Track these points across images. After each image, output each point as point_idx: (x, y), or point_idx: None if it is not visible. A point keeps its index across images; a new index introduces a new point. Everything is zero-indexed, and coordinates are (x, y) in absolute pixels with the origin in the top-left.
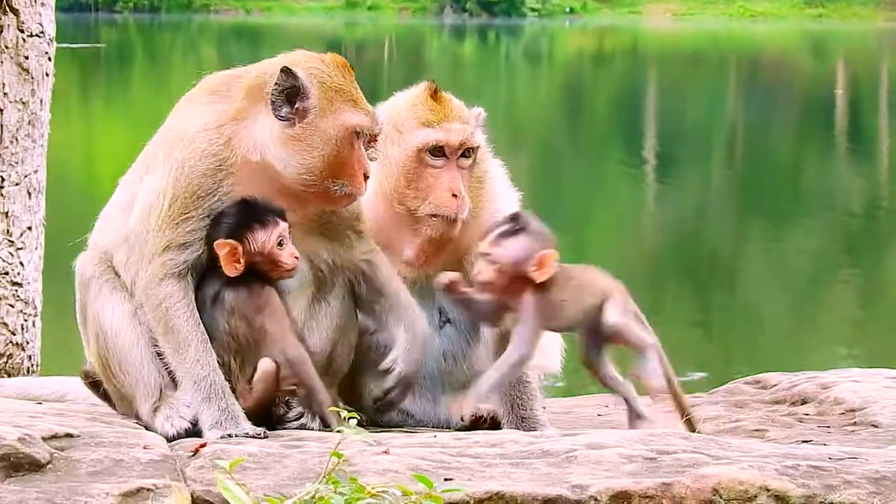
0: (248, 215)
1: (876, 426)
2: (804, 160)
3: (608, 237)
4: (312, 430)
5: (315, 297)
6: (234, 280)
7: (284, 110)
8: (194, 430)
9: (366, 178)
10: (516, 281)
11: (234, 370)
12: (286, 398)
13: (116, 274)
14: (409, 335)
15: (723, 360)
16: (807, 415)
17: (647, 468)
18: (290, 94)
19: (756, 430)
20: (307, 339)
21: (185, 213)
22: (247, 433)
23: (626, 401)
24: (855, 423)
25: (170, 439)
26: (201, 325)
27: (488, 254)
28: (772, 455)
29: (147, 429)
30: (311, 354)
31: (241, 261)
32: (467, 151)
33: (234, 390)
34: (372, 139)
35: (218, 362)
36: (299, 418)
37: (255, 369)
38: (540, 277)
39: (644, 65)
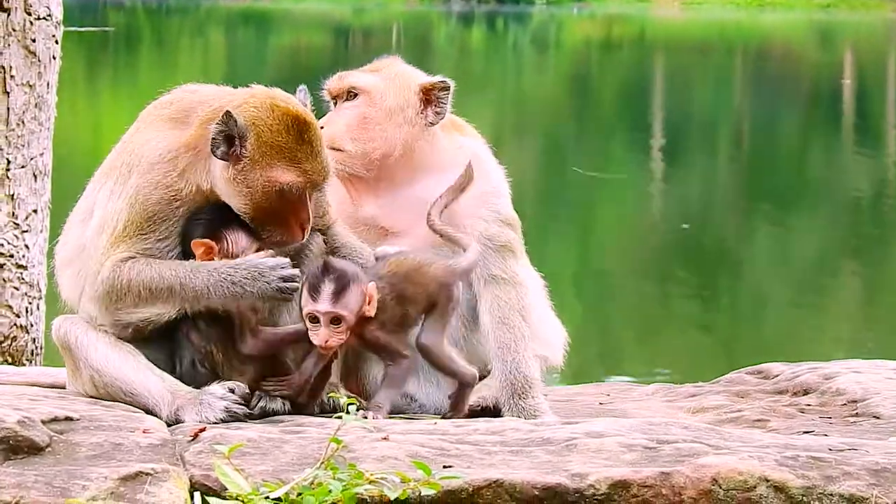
0: (233, 217)
1: (877, 417)
2: (811, 150)
3: (614, 226)
4: (275, 411)
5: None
6: None
7: (220, 150)
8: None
9: (302, 229)
10: (357, 325)
11: (218, 358)
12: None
13: (86, 321)
14: None
15: (727, 349)
16: (809, 405)
17: (646, 457)
18: (228, 136)
19: (758, 421)
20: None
21: (140, 234)
22: None
23: (460, 385)
24: (857, 414)
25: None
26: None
27: (333, 319)
28: (772, 445)
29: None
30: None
31: (217, 259)
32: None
33: (220, 378)
34: (316, 190)
35: (201, 351)
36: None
37: (236, 355)
38: (373, 311)
39: (652, 53)
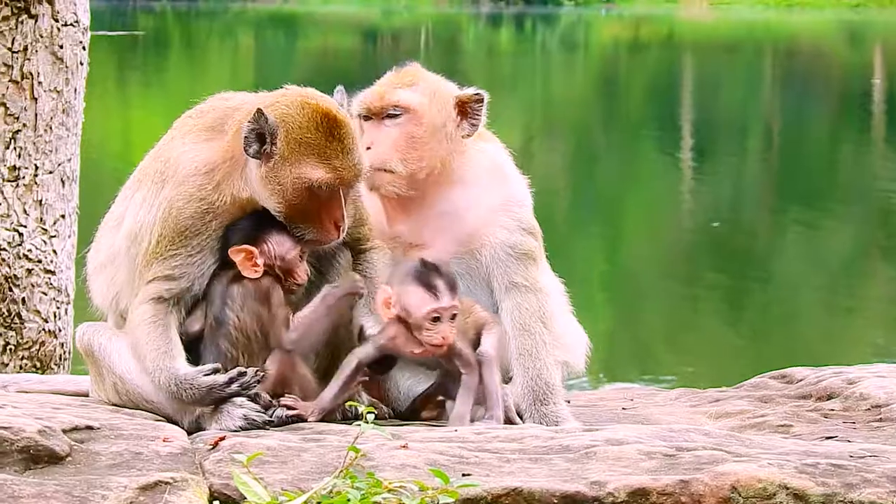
0: (275, 222)
1: None
2: (841, 150)
3: (643, 227)
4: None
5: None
6: (239, 277)
7: (252, 149)
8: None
9: (336, 227)
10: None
11: (242, 365)
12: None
13: (110, 328)
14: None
15: (755, 351)
16: (832, 410)
17: (666, 465)
18: (259, 134)
19: (781, 426)
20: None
21: (172, 250)
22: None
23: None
24: (881, 420)
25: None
26: (165, 340)
27: (453, 315)
28: (792, 452)
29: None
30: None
31: (259, 263)
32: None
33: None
34: (348, 188)
35: (225, 353)
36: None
37: (261, 363)
38: None
39: (680, 54)
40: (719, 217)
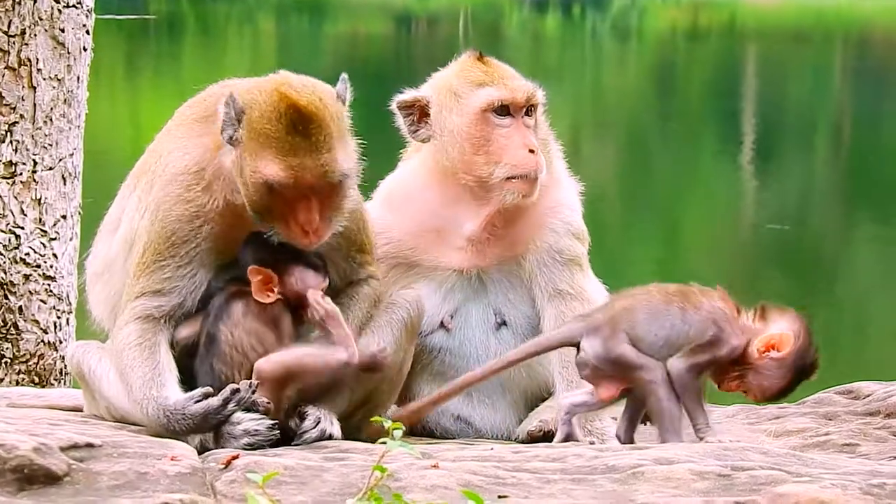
0: (302, 255)
1: None
2: None
3: (702, 228)
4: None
5: None
6: (242, 294)
7: (226, 133)
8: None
9: (304, 231)
10: None
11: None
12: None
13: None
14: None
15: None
16: None
17: (719, 486)
18: (230, 120)
19: (846, 445)
20: None
21: (159, 261)
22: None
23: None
24: None
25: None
26: (153, 365)
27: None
28: (857, 472)
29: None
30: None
31: (275, 291)
32: (530, 109)
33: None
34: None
35: (219, 376)
36: (317, 424)
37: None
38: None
39: (743, 42)
40: (783, 219)
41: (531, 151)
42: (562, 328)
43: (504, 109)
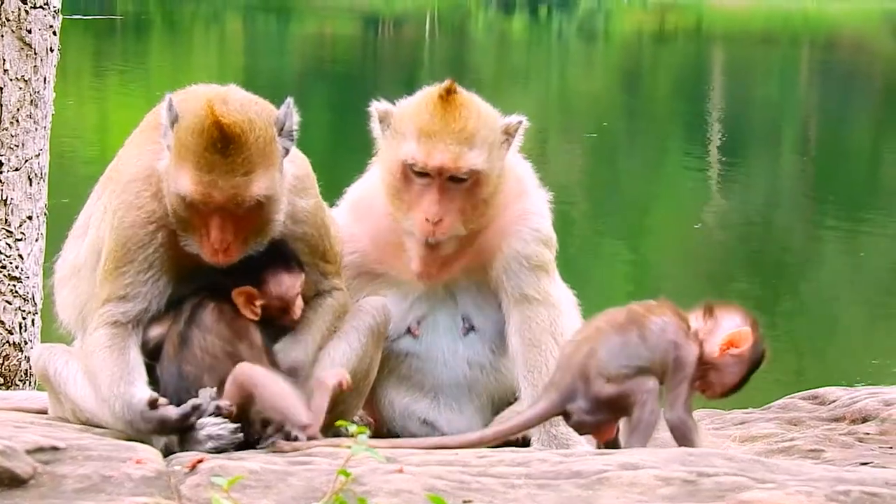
0: (275, 260)
1: None
2: (884, 150)
3: (668, 231)
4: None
5: None
6: (217, 297)
7: (164, 139)
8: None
9: (215, 249)
10: None
11: (207, 386)
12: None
13: (67, 350)
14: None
15: (784, 369)
16: (867, 434)
17: (684, 492)
18: (166, 126)
19: (811, 451)
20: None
21: (119, 267)
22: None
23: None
24: None
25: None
26: (122, 364)
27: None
28: (822, 479)
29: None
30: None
31: (258, 305)
32: (454, 177)
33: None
34: (220, 209)
35: (187, 376)
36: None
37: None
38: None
39: (710, 45)
40: (749, 220)
41: (427, 220)
42: (536, 406)
43: (421, 170)
